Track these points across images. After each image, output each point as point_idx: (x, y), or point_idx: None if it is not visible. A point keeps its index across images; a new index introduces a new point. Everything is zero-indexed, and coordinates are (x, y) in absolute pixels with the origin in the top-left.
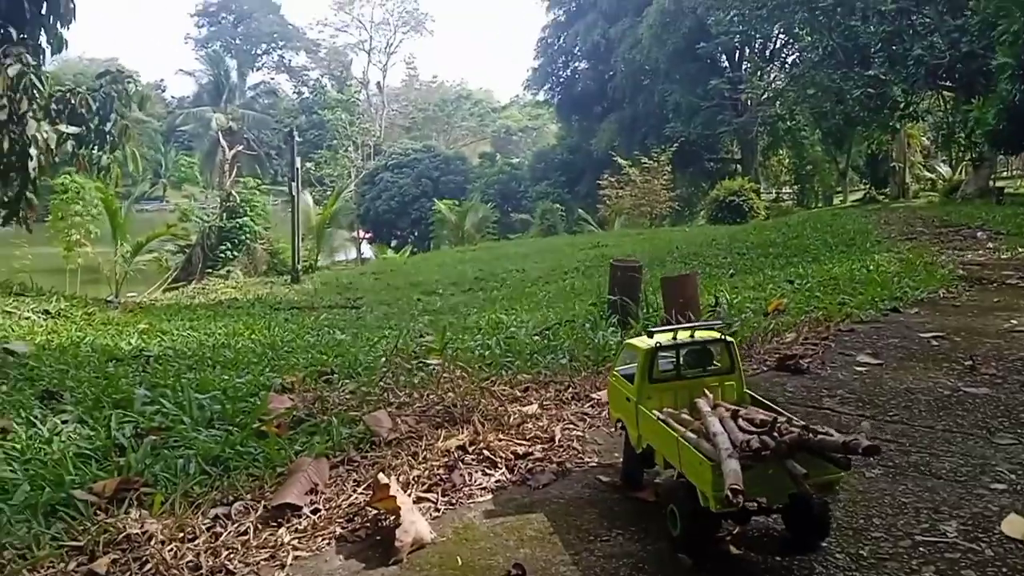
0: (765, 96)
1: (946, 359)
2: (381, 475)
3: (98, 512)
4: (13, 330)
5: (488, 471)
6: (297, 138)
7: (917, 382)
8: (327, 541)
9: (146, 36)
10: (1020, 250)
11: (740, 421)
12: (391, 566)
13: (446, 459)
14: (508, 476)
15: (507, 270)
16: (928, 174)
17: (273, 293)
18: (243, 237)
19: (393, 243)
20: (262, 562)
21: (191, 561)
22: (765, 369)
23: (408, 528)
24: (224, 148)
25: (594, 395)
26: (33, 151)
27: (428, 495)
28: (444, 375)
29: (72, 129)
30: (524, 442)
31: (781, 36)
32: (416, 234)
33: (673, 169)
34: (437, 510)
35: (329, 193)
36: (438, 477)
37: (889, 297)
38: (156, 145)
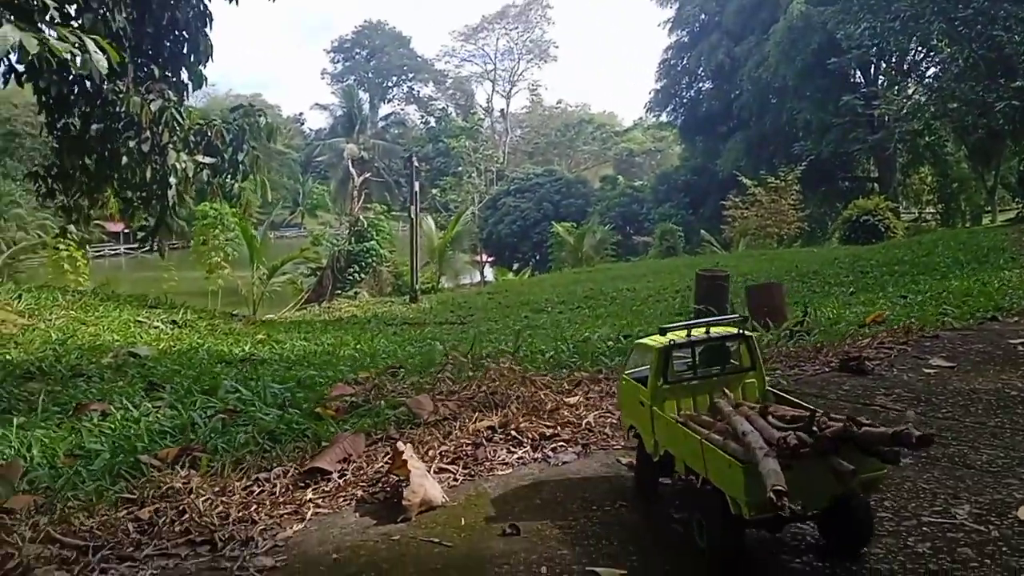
0: (903, 111)
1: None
2: (400, 443)
3: (156, 472)
4: (141, 337)
5: (513, 449)
6: (424, 166)
7: (985, 383)
8: (348, 502)
9: (288, 73)
10: None
11: (770, 418)
12: (399, 523)
13: (474, 438)
14: (531, 454)
15: (618, 289)
16: None
17: (391, 311)
18: (370, 260)
19: (515, 266)
20: (285, 515)
21: (222, 512)
22: (827, 370)
23: (416, 490)
24: (354, 176)
25: None
26: (172, 180)
27: (450, 467)
28: (493, 368)
29: (208, 160)
30: (554, 426)
31: (919, 49)
32: (537, 257)
33: (802, 189)
34: (456, 480)
35: (467, 220)
36: (463, 453)
37: (994, 308)
38: (295, 175)
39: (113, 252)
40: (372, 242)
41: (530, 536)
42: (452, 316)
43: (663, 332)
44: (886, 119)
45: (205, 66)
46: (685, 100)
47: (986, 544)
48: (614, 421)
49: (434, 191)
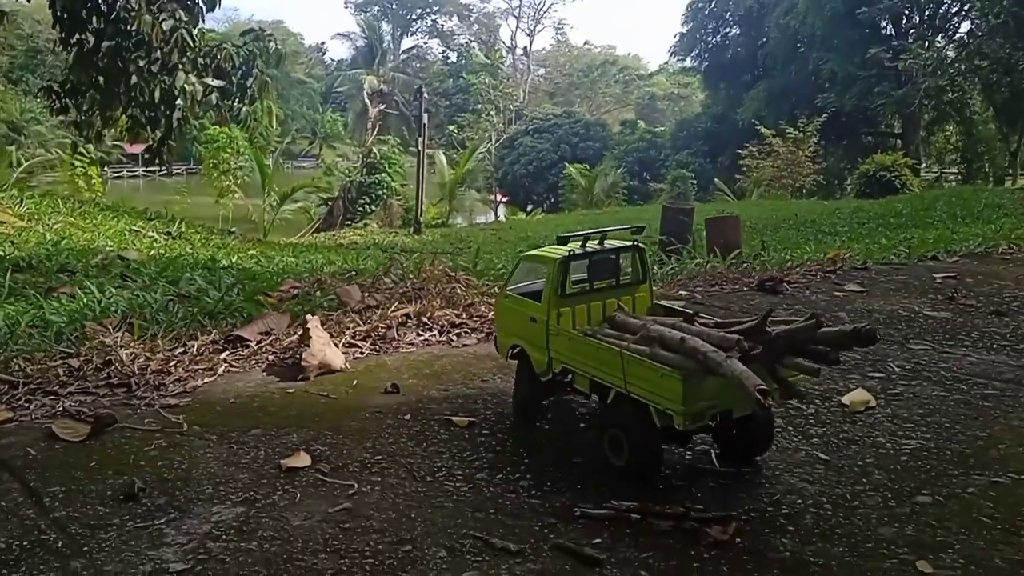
0: (930, 66)
1: (936, 293)
2: (308, 317)
3: (96, 334)
4: (134, 244)
5: (421, 332)
6: (443, 101)
7: (883, 305)
8: (259, 364)
9: (311, 1)
10: None
11: (698, 325)
12: (298, 381)
13: (390, 322)
14: (437, 337)
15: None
16: None
17: (392, 240)
18: (380, 192)
19: (529, 207)
20: (199, 371)
21: (143, 365)
22: (745, 289)
23: (316, 353)
24: (368, 107)
25: None
26: (180, 102)
27: (360, 343)
28: (427, 269)
29: (217, 82)
30: (465, 317)
31: (952, 2)
32: (552, 199)
33: (823, 142)
34: (362, 353)
35: (479, 157)
36: (375, 333)
37: (943, 249)
38: (315, 105)
39: (132, 174)
40: (384, 174)
41: (408, 394)
42: (449, 247)
43: (562, 241)
44: (914, 73)
45: None
46: (711, 45)
47: (807, 420)
48: None
49: (451, 127)
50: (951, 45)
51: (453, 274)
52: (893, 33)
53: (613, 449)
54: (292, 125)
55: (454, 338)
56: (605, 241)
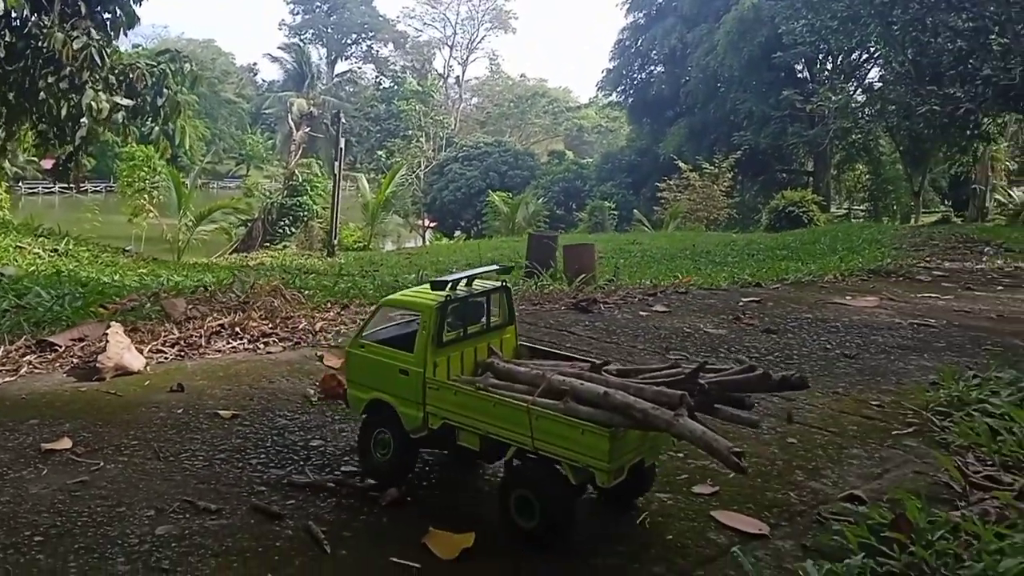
0: (836, 109)
1: (730, 313)
2: (113, 323)
3: None
4: (15, 260)
5: (231, 341)
6: (374, 127)
7: (675, 324)
8: (63, 367)
9: (247, 21)
10: (1008, 264)
11: (606, 375)
12: (94, 381)
13: (205, 332)
14: (246, 346)
15: (512, 252)
16: (1007, 198)
17: (302, 262)
18: (301, 214)
19: (457, 233)
20: (2, 371)
21: None
22: (561, 308)
23: (112, 356)
24: (292, 130)
25: None
26: (85, 119)
27: (168, 349)
28: (260, 285)
29: (125, 101)
30: (278, 328)
31: (861, 50)
32: (479, 225)
33: (739, 177)
34: (166, 358)
35: (400, 182)
36: (185, 341)
37: (776, 278)
38: (244, 126)
39: (48, 191)
40: (306, 197)
41: (191, 392)
42: (356, 270)
43: (436, 286)
44: (825, 115)
45: (140, 4)
46: (636, 82)
47: None
48: (339, 328)
49: (380, 152)
50: (859, 90)
51: (282, 290)
52: (808, 76)
53: (521, 511)
54: (219, 145)
55: (261, 346)
56: (474, 283)
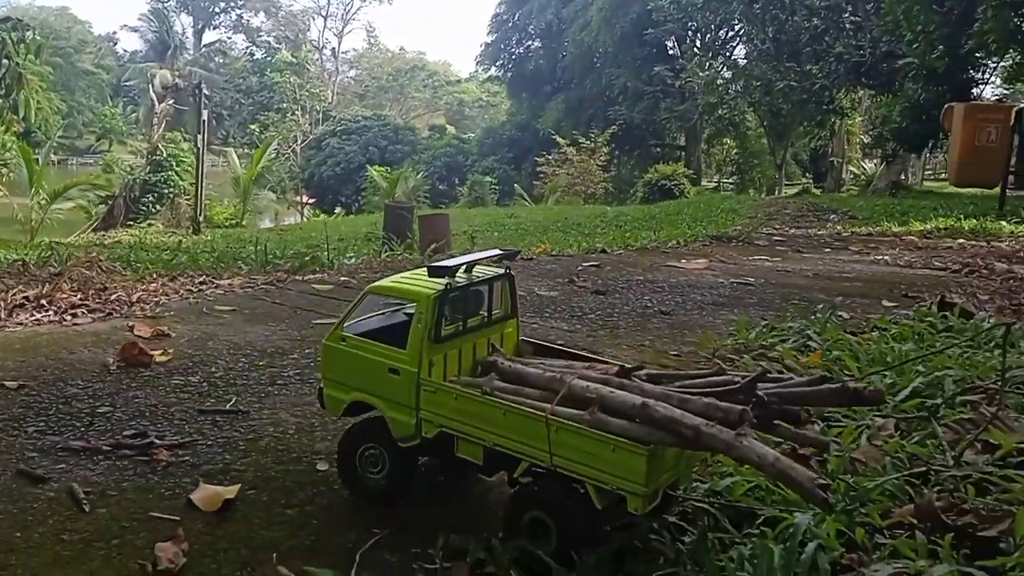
0: (705, 84)
1: (565, 277)
2: None
3: None
4: None
5: (35, 312)
6: (246, 100)
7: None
8: None
9: None
10: (848, 229)
11: (638, 382)
12: None
13: (8, 304)
14: (52, 317)
15: None
16: (859, 169)
17: (164, 241)
18: (167, 191)
19: (338, 209)
20: None
21: None
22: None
23: None
24: (154, 103)
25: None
26: None
27: None
28: (77, 257)
29: None
30: (89, 299)
31: (733, 27)
32: (359, 201)
33: (613, 151)
34: None
35: (272, 156)
36: None
37: (623, 245)
38: (104, 98)
39: None
40: (171, 172)
41: None
42: (224, 246)
43: (434, 272)
44: (694, 91)
45: None
46: (514, 56)
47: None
48: (158, 299)
49: (253, 126)
50: (725, 67)
51: (100, 262)
52: (678, 53)
53: (535, 535)
54: (78, 119)
55: (68, 318)
56: (474, 269)
